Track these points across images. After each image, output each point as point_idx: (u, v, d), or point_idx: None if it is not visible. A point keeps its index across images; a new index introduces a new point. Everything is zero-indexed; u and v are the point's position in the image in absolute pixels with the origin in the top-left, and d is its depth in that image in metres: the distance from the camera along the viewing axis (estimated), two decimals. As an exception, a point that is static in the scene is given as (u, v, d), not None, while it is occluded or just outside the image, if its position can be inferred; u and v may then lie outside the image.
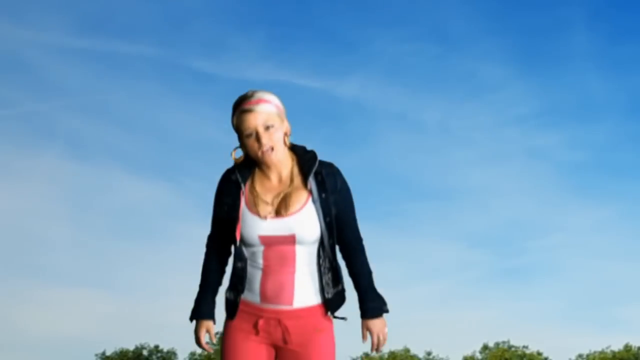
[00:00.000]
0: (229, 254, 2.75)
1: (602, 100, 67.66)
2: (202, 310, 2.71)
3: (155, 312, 59.89)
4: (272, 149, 2.56)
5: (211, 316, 2.72)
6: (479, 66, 66.26)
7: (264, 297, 2.61)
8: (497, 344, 55.09)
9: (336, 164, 2.67)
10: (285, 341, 2.62)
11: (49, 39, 61.63)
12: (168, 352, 52.36)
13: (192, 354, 51.43)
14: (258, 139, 2.55)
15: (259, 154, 2.57)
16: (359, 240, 2.71)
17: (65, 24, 63.22)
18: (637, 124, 69.74)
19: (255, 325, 2.62)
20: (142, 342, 52.44)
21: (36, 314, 56.80)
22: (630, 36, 65.41)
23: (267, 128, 2.55)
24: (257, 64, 60.26)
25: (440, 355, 50.92)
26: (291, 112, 2.70)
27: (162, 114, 63.98)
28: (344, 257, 2.71)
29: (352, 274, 2.71)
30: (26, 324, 56.89)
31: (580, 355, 55.36)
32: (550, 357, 55.33)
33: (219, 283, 2.76)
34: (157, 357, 52.16)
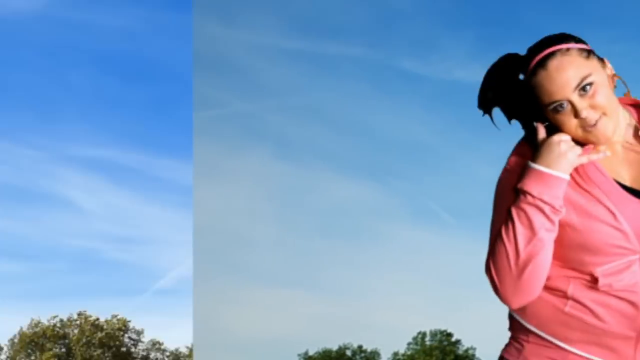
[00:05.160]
0: None
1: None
2: None
3: (360, 313, 57.43)
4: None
5: None
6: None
7: None
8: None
9: None
10: None
11: (259, 40, 62.61)
12: (371, 352, 51.63)
13: (395, 354, 50.55)
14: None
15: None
16: None
17: (275, 25, 63.98)
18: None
19: None
20: (346, 342, 51.64)
21: (241, 313, 57.79)
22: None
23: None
24: (465, 64, 56.74)
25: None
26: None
27: (370, 114, 63.06)
28: None
29: None
30: (231, 323, 58.14)
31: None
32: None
33: None
34: (361, 357, 51.68)
